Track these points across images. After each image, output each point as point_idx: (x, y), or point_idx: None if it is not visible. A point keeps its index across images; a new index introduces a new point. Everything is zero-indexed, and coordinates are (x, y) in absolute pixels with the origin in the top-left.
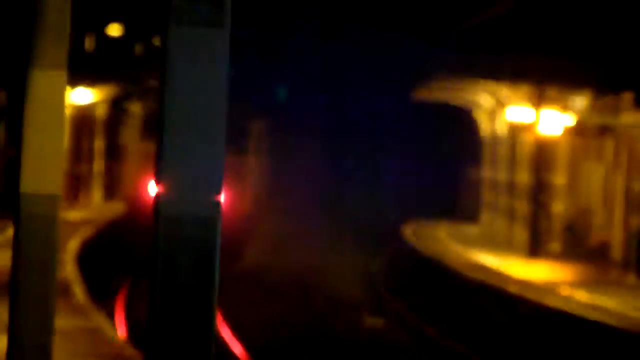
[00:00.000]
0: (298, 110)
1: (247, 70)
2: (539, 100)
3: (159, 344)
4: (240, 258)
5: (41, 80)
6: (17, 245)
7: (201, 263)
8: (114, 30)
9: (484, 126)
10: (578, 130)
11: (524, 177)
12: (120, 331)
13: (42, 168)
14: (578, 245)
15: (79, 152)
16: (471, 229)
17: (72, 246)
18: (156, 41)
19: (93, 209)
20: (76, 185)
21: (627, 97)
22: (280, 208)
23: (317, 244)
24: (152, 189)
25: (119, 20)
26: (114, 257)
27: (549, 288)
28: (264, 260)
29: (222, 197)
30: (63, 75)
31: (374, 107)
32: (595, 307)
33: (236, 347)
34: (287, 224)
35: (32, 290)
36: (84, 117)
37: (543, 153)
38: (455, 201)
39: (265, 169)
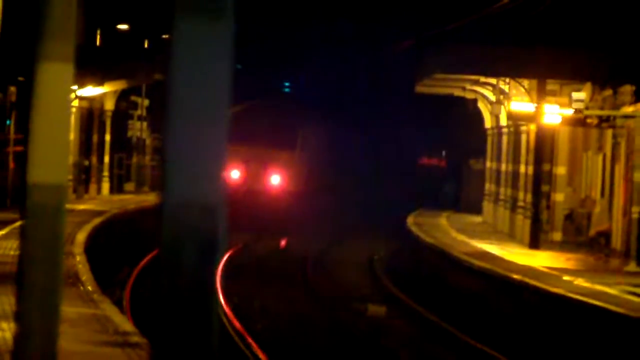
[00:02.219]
0: (340, 109)
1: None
2: (540, 93)
3: (164, 329)
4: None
5: (48, 72)
6: (25, 235)
7: (205, 249)
8: (122, 25)
9: (487, 118)
10: (578, 122)
11: (525, 167)
12: (128, 319)
13: (49, 159)
14: (579, 235)
15: (89, 145)
16: (473, 219)
17: (80, 237)
18: (164, 35)
19: (102, 201)
20: (85, 177)
21: (627, 89)
22: (329, 187)
23: (352, 213)
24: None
25: (128, 15)
26: (124, 247)
27: (550, 276)
28: (312, 222)
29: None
30: (70, 68)
31: (389, 103)
32: (595, 294)
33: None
34: (332, 199)
35: (39, 278)
36: (92, 110)
37: (544, 144)
38: (458, 191)
39: (317, 157)
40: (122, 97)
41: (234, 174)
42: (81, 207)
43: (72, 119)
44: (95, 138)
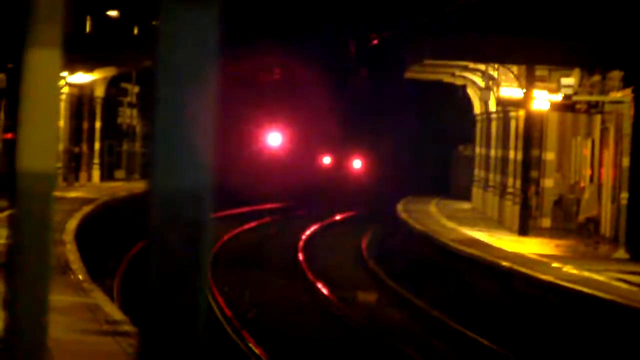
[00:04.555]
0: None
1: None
2: (529, 79)
3: (153, 318)
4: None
5: (36, 58)
6: (14, 223)
7: (193, 240)
8: (112, 11)
9: (476, 104)
10: (567, 108)
11: (514, 153)
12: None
13: (38, 146)
14: (568, 221)
15: (79, 132)
16: (463, 205)
17: (71, 225)
18: (154, 21)
19: (92, 188)
20: (75, 165)
21: (616, 75)
22: (381, 177)
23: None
24: (322, 160)
25: (118, 1)
26: (114, 235)
27: (539, 262)
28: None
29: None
30: (58, 53)
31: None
32: (584, 281)
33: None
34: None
35: (28, 267)
36: (83, 97)
37: (533, 130)
38: (447, 177)
39: (374, 158)
40: (112, 83)
41: (326, 160)
42: (71, 194)
43: (62, 105)
44: (85, 125)
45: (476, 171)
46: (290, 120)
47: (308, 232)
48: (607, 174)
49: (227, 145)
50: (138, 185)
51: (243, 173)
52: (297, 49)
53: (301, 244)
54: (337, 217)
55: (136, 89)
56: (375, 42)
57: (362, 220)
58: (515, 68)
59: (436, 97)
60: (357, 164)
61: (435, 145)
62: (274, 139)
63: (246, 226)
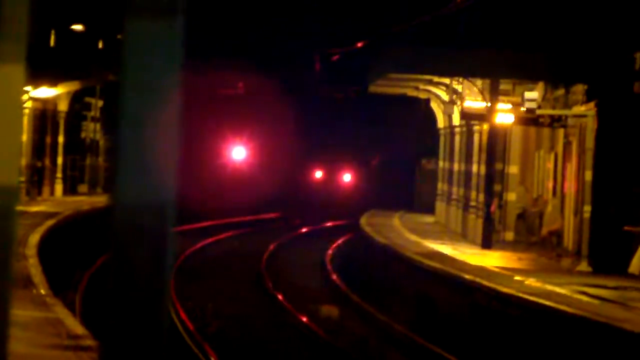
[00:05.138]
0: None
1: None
2: (493, 93)
3: (115, 332)
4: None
5: None
6: None
7: (155, 254)
8: (77, 25)
9: (440, 118)
10: (531, 122)
11: (477, 167)
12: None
13: (0, 160)
14: (531, 234)
15: (42, 146)
16: (426, 219)
17: (33, 240)
18: (119, 35)
19: (55, 202)
20: (38, 179)
21: (579, 89)
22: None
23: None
24: (313, 174)
25: (82, 15)
26: (77, 249)
27: (502, 276)
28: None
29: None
30: (21, 69)
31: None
32: (546, 294)
33: None
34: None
35: None
36: (46, 112)
37: (497, 144)
38: (411, 191)
39: (372, 175)
40: (76, 98)
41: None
42: (34, 209)
43: (25, 120)
44: (48, 139)
45: (440, 185)
46: (254, 135)
47: (272, 247)
48: (570, 188)
49: (191, 159)
50: (101, 200)
51: (208, 186)
52: (261, 65)
53: (266, 255)
54: (303, 230)
55: (100, 104)
56: (339, 56)
57: (334, 230)
58: (479, 82)
59: (400, 110)
60: (344, 177)
61: (401, 158)
62: (238, 152)
63: (210, 239)
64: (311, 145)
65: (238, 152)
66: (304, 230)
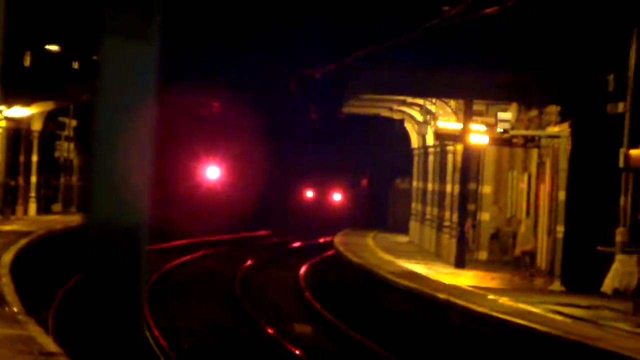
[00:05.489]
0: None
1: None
2: (466, 113)
3: (88, 349)
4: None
5: None
6: None
7: (128, 272)
8: (52, 46)
9: (414, 138)
10: (504, 142)
11: (451, 187)
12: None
13: None
14: (504, 254)
15: (15, 165)
16: (400, 238)
17: (6, 258)
18: (94, 56)
19: (29, 222)
20: (12, 198)
21: (553, 110)
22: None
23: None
24: (306, 192)
25: (58, 35)
26: (51, 268)
27: (476, 295)
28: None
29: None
30: None
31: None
32: (519, 313)
33: None
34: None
35: None
36: (19, 131)
37: (470, 164)
38: (385, 211)
39: (361, 194)
40: (50, 117)
41: (309, 193)
42: (7, 228)
43: None
44: (22, 158)
45: (414, 204)
46: (228, 154)
47: (248, 263)
48: (544, 208)
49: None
50: (75, 219)
51: (183, 206)
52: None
53: (239, 274)
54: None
55: (74, 123)
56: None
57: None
58: (452, 102)
59: (374, 131)
60: (334, 196)
61: (377, 178)
62: (212, 172)
63: (180, 259)
64: (299, 165)
65: (213, 172)
66: (295, 245)
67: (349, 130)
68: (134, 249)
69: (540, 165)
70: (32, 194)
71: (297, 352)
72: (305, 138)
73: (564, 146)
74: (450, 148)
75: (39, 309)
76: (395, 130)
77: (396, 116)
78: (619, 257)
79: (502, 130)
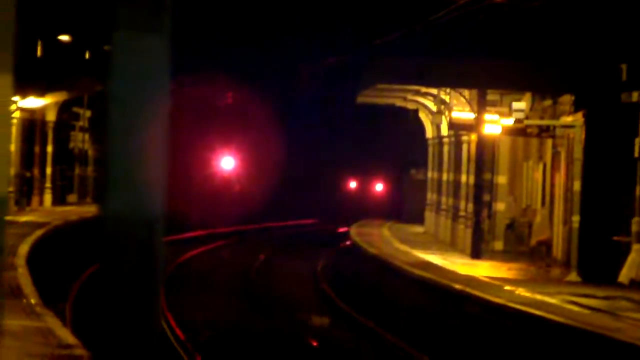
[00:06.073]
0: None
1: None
2: (480, 103)
3: (106, 341)
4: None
5: None
6: None
7: (145, 263)
8: (64, 36)
9: (428, 128)
10: (519, 132)
11: (466, 177)
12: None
13: None
14: (520, 244)
15: (31, 156)
16: (415, 229)
17: (23, 250)
18: (106, 46)
19: (45, 212)
20: (27, 189)
21: (567, 99)
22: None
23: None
24: (349, 183)
25: (69, 26)
26: (67, 259)
27: (492, 285)
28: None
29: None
30: (9, 78)
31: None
32: (536, 304)
33: None
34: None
35: None
36: (34, 122)
37: (485, 154)
38: (401, 201)
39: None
40: (64, 108)
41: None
42: (23, 219)
43: (14, 130)
44: (37, 149)
45: (429, 195)
46: (242, 145)
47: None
48: (559, 198)
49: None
50: (90, 209)
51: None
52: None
53: (257, 264)
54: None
55: (88, 113)
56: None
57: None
58: (466, 92)
59: (389, 120)
60: (376, 187)
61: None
62: (227, 162)
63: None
64: (344, 157)
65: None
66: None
67: (383, 122)
68: (150, 241)
69: (555, 154)
70: (48, 184)
71: (314, 343)
72: (347, 131)
73: (579, 136)
74: (465, 138)
75: (56, 300)
76: (409, 121)
77: (410, 106)
78: (635, 247)
79: (516, 119)
